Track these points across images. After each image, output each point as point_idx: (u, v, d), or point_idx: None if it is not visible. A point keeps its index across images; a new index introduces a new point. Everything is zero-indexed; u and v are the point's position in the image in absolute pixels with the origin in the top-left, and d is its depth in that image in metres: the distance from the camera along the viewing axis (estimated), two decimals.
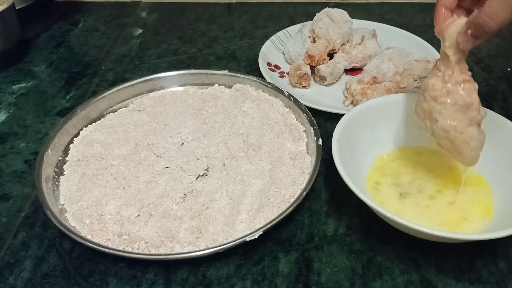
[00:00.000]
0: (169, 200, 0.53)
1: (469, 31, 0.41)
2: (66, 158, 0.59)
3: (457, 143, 0.46)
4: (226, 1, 0.98)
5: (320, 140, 0.57)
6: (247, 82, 0.68)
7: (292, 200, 0.51)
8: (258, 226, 0.48)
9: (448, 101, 0.45)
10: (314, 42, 0.71)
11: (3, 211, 0.55)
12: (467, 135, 0.45)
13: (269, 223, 0.48)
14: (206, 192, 0.54)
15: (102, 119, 0.65)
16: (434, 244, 0.47)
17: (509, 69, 0.74)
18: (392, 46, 0.70)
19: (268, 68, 0.73)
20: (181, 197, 0.53)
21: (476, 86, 0.46)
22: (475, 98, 0.45)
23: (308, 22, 0.77)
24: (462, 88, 0.45)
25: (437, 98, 0.45)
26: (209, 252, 0.46)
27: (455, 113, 0.45)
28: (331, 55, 0.72)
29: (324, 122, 0.61)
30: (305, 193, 0.51)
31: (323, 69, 0.69)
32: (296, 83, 0.70)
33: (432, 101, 0.46)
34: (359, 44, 0.72)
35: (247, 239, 0.46)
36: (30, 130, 0.67)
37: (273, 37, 0.79)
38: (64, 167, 0.58)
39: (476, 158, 0.47)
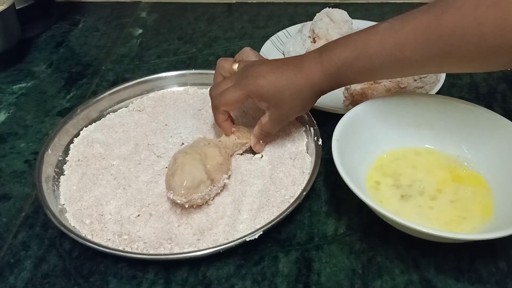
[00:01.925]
0: (169, 200, 0.53)
1: (261, 142, 0.57)
2: (66, 158, 0.59)
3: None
4: (226, 1, 0.98)
5: (320, 140, 0.57)
6: None
7: (292, 200, 0.51)
8: (258, 226, 0.48)
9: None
10: (314, 42, 0.71)
11: (3, 211, 0.55)
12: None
13: (269, 223, 0.48)
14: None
15: (102, 119, 0.65)
16: (434, 244, 0.47)
17: (509, 69, 0.74)
18: None
19: None
20: None
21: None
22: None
23: (308, 22, 0.77)
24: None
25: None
26: (209, 252, 0.46)
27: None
28: None
29: (324, 122, 0.61)
30: (305, 193, 0.51)
31: None
32: None
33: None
34: None
35: (247, 239, 0.46)
36: (30, 130, 0.67)
37: (273, 37, 0.79)
38: (64, 167, 0.58)
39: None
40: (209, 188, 0.50)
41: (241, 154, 0.58)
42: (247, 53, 0.59)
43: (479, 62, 0.46)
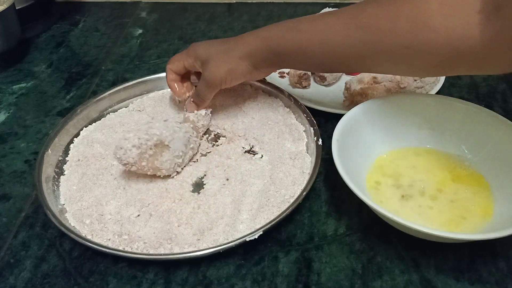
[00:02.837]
0: (169, 200, 0.53)
1: (192, 99, 0.60)
2: (66, 158, 0.59)
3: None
4: (226, 1, 0.98)
5: (320, 140, 0.57)
6: (247, 82, 0.67)
7: (292, 200, 0.51)
8: (258, 226, 0.48)
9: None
10: None
11: (3, 211, 0.55)
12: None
13: (269, 223, 0.48)
14: (207, 192, 0.54)
15: (102, 119, 0.65)
16: (434, 244, 0.47)
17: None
18: None
19: None
20: (181, 198, 0.53)
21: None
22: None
23: None
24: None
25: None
26: (209, 252, 0.46)
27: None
28: None
29: (324, 122, 0.61)
30: (305, 193, 0.51)
31: None
32: (296, 83, 0.70)
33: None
34: None
35: (247, 239, 0.46)
36: (30, 130, 0.67)
37: None
38: (64, 167, 0.58)
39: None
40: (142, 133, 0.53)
41: (242, 154, 0.58)
42: None
43: (398, 62, 0.46)
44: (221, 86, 0.57)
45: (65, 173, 0.57)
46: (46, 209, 0.50)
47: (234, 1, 0.98)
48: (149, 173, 0.54)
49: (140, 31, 0.90)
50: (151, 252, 0.47)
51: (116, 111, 0.67)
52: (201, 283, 0.46)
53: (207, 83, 0.57)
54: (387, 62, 0.47)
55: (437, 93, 0.64)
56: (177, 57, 0.60)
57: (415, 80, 0.64)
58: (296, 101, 0.63)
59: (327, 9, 0.73)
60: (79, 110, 0.64)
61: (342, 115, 0.54)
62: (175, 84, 0.62)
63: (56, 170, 0.57)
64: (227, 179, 0.55)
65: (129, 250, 0.48)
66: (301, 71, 0.69)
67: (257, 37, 0.53)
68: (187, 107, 0.61)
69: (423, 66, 0.46)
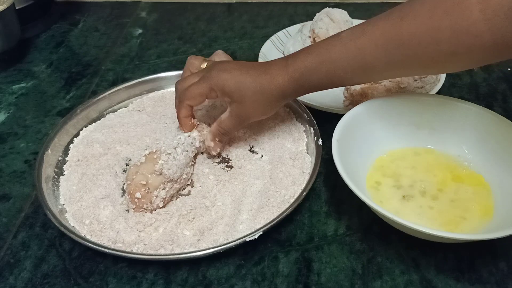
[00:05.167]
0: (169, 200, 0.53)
1: (216, 139, 0.56)
2: (66, 158, 0.59)
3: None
4: (226, 1, 0.98)
5: (320, 140, 0.57)
6: None
7: (292, 200, 0.51)
8: (258, 226, 0.48)
9: None
10: (314, 42, 0.71)
11: (3, 211, 0.55)
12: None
13: (269, 223, 0.48)
14: (207, 193, 0.54)
15: (102, 119, 0.65)
16: (434, 244, 0.47)
17: (509, 69, 0.74)
18: None
19: None
20: (181, 198, 0.53)
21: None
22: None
23: (308, 22, 0.77)
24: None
25: None
26: (209, 252, 0.46)
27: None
28: None
29: (324, 122, 0.61)
30: (305, 193, 0.51)
31: None
32: None
33: None
34: None
35: (247, 239, 0.46)
36: (30, 130, 0.67)
37: (273, 37, 0.79)
38: (64, 167, 0.58)
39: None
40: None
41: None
42: (219, 55, 0.60)
43: (437, 66, 0.48)
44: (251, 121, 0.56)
45: (65, 173, 0.57)
46: (46, 209, 0.50)
47: (234, 1, 0.98)
48: (138, 189, 0.50)
49: (140, 31, 0.90)
50: (152, 252, 0.47)
51: (116, 111, 0.67)
52: (201, 283, 0.46)
53: (240, 120, 0.54)
54: (428, 68, 0.49)
55: (437, 93, 0.64)
56: (197, 91, 0.53)
57: (415, 80, 0.64)
58: (296, 101, 0.62)
59: (327, 9, 0.73)
60: (79, 110, 0.64)
61: (342, 115, 0.54)
62: (188, 121, 0.56)
63: (56, 170, 0.57)
64: (227, 179, 0.55)
65: (129, 250, 0.48)
66: None
67: (290, 77, 0.51)
68: (212, 149, 0.56)
69: (465, 64, 0.48)
